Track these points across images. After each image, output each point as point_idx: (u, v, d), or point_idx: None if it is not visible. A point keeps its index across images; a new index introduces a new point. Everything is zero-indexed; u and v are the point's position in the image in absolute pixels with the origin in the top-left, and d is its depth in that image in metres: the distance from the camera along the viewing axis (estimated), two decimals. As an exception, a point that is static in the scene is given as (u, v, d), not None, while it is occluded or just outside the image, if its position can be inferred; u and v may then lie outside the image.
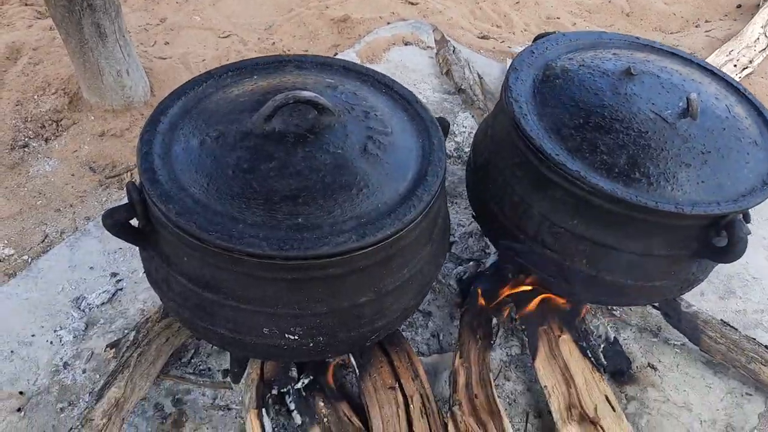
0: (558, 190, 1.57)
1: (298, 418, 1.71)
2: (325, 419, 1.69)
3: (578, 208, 1.57)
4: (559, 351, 1.90)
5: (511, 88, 1.69)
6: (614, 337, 2.03)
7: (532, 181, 1.64)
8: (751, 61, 3.53)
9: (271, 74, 1.62)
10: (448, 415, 1.73)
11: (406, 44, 3.53)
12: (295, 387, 1.76)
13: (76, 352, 1.92)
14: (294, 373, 1.79)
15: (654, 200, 1.46)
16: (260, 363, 1.79)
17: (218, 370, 1.90)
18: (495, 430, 1.68)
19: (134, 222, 1.37)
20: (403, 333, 1.97)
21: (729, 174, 1.56)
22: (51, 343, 1.94)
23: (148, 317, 1.89)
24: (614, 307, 2.14)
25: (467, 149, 2.79)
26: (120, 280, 2.14)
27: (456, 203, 2.52)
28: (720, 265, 1.77)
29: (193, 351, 1.95)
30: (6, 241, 2.30)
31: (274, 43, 3.56)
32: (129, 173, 2.59)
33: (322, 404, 1.72)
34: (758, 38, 3.68)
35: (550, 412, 1.78)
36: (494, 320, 2.00)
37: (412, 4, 4.04)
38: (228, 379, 1.85)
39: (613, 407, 1.77)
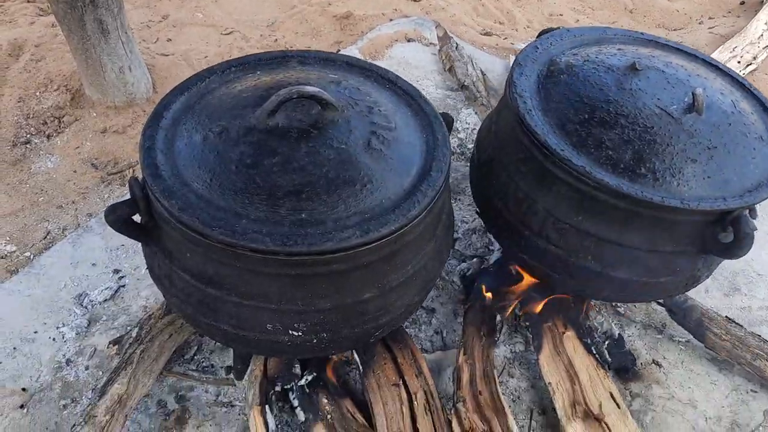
0: (563, 186, 1.56)
1: (301, 415, 1.70)
2: (329, 416, 1.69)
3: (583, 204, 1.55)
4: (563, 348, 1.89)
5: (515, 83, 1.68)
6: (619, 334, 2.02)
7: (537, 176, 1.63)
8: (755, 58, 3.52)
9: (274, 70, 1.61)
10: (452, 411, 1.72)
11: (408, 41, 3.52)
12: (299, 384, 1.75)
13: (79, 348, 1.92)
14: (297, 369, 1.78)
15: (660, 196, 1.45)
16: (263, 360, 1.78)
17: (221, 367, 1.90)
18: (499, 427, 1.67)
19: (137, 218, 1.36)
20: (407, 330, 1.96)
21: (735, 169, 1.55)
22: (53, 339, 1.94)
23: (151, 314, 1.89)
24: (618, 304, 2.14)
25: (470, 146, 2.78)
26: (122, 277, 2.14)
27: (459, 200, 2.51)
28: (725, 261, 1.77)
29: (196, 348, 1.94)
30: (8, 238, 2.30)
31: (276, 39, 3.54)
32: (131, 170, 2.58)
33: (325, 401, 1.72)
34: (762, 35, 3.66)
35: (554, 409, 1.77)
36: (498, 317, 1.99)
37: (415, 0, 4.02)
38: (231, 375, 1.85)
39: (617, 404, 1.76)
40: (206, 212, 1.22)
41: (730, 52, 3.51)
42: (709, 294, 2.25)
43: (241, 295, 1.31)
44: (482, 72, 3.17)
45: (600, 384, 1.80)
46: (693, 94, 1.58)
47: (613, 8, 4.41)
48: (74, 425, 1.60)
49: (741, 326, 2.02)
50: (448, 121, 1.58)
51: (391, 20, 3.71)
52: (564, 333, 1.92)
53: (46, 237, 2.32)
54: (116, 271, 2.15)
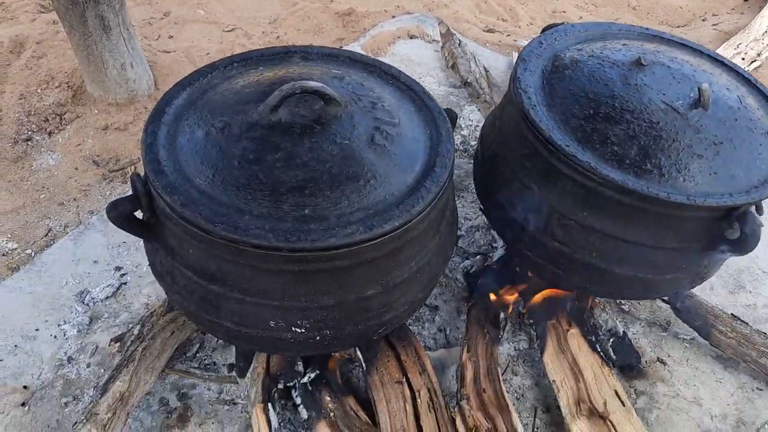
0: (568, 182, 1.55)
1: (304, 413, 1.69)
2: (332, 414, 1.68)
3: (588, 200, 1.54)
4: (567, 345, 1.88)
5: (519, 78, 1.67)
6: (623, 332, 2.01)
7: (541, 172, 1.61)
8: (759, 54, 3.50)
9: (276, 65, 1.60)
10: (456, 409, 1.71)
11: (411, 38, 3.51)
12: (302, 381, 1.74)
13: (81, 346, 1.91)
14: (300, 367, 1.77)
15: (666, 191, 1.44)
16: (266, 357, 1.78)
17: (223, 365, 1.89)
18: (503, 425, 1.66)
19: (139, 214, 1.35)
20: (410, 327, 1.95)
21: (741, 165, 1.54)
22: (55, 337, 1.93)
23: (153, 311, 1.88)
24: (623, 301, 2.13)
25: (473, 142, 2.77)
26: (124, 274, 2.13)
27: (462, 197, 2.50)
28: (729, 259, 1.75)
29: (198, 345, 1.93)
30: (9, 235, 2.29)
31: (278, 36, 3.54)
32: (133, 167, 2.57)
33: (328, 398, 1.71)
34: (766, 31, 3.63)
35: (558, 407, 1.77)
36: (502, 314, 1.98)
37: (417, -3, 4.02)
38: (233, 373, 1.84)
39: (622, 402, 1.75)
40: (209, 208, 1.21)
41: (734, 48, 3.50)
42: (714, 291, 2.24)
43: (244, 291, 1.30)
44: (485, 69, 3.15)
45: (605, 382, 1.79)
46: (699, 89, 1.57)
47: (616, 5, 4.39)
48: (76, 423, 1.60)
49: (746, 324, 2.00)
50: (452, 116, 1.57)
51: (393, 17, 3.70)
52: (568, 330, 1.91)
53: (47, 234, 2.32)
54: (118, 269, 2.14)
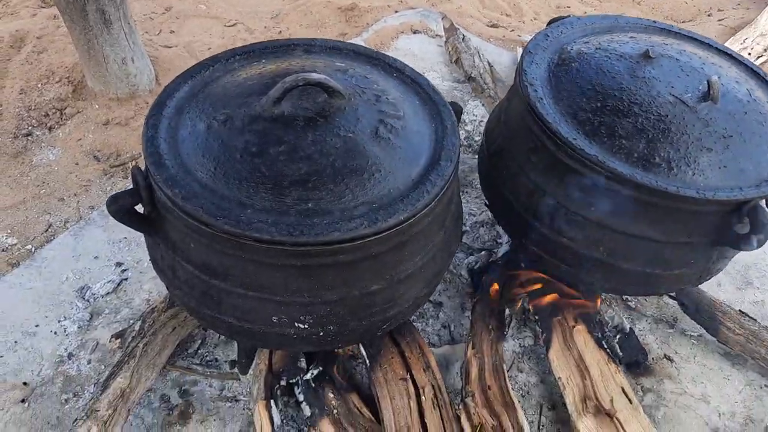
0: (575, 176, 1.53)
1: (307, 410, 1.67)
2: (335, 411, 1.66)
3: (595, 195, 1.51)
4: (573, 342, 1.86)
5: (525, 71, 1.65)
6: (630, 328, 1.98)
7: (548, 166, 1.60)
8: (765, 50, 3.47)
9: (279, 58, 1.58)
10: (461, 406, 1.69)
11: (414, 32, 3.49)
12: (304, 378, 1.72)
13: (81, 342, 1.90)
14: (303, 363, 1.76)
15: (675, 185, 1.43)
16: (268, 353, 1.76)
17: (225, 361, 1.88)
18: (509, 422, 1.64)
19: (139, 208, 1.34)
20: (414, 324, 1.93)
21: (751, 159, 1.52)
22: (55, 333, 1.92)
23: (154, 307, 1.87)
24: (629, 298, 2.11)
25: (477, 138, 2.75)
26: (125, 270, 2.11)
27: (467, 192, 2.48)
28: (737, 255, 1.74)
29: (199, 341, 1.92)
30: (9, 231, 2.28)
31: (280, 31, 3.52)
32: (134, 162, 2.56)
33: (331, 395, 1.69)
34: (772, 26, 3.62)
35: (564, 405, 1.75)
36: (507, 311, 1.96)
37: (420, -8, 4.00)
38: (235, 369, 1.83)
39: (629, 399, 1.73)
40: (210, 201, 1.20)
41: (741, 44, 3.48)
42: (721, 288, 2.21)
43: (246, 286, 1.29)
44: (489, 64, 3.13)
45: (611, 379, 1.77)
46: (708, 82, 1.55)
47: (620, 0, 4.37)
48: (76, 420, 1.58)
49: (755, 320, 1.98)
50: (457, 110, 1.56)
51: (396, 12, 3.68)
52: (574, 327, 1.89)
53: (47, 230, 2.30)
54: (119, 264, 2.13)
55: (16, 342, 1.89)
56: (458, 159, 1.41)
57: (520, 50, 3.36)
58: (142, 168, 1.32)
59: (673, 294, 2.04)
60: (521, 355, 1.96)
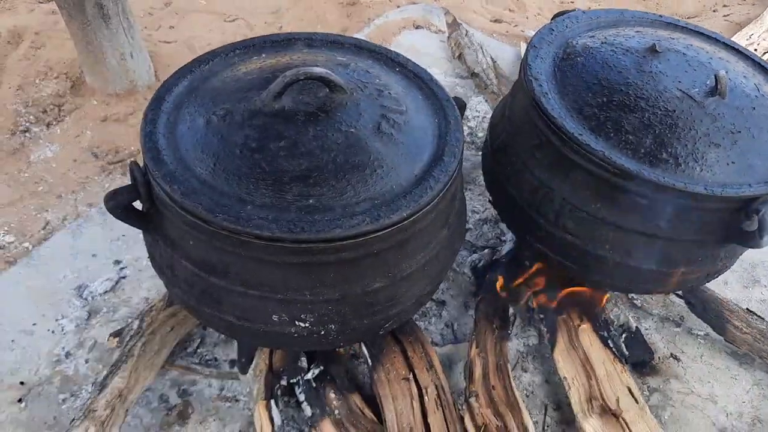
0: (580, 172, 1.51)
1: (308, 410, 1.65)
2: (336, 411, 1.64)
3: (601, 191, 1.50)
4: (578, 341, 1.84)
5: (530, 65, 1.62)
6: (636, 327, 1.96)
7: (553, 162, 1.57)
8: (771, 45, 3.45)
9: (279, 52, 1.56)
10: (465, 407, 1.67)
11: (416, 28, 3.47)
12: (305, 378, 1.70)
13: (79, 341, 1.88)
14: (304, 363, 1.74)
15: (683, 182, 1.40)
16: (269, 352, 1.74)
17: (225, 360, 1.86)
18: (514, 423, 1.62)
19: (138, 205, 1.32)
20: (417, 323, 1.91)
21: (760, 154, 1.50)
22: (52, 332, 1.90)
23: (153, 305, 1.85)
24: (635, 296, 2.09)
25: (481, 134, 2.73)
26: (123, 268, 2.09)
27: (470, 189, 2.45)
28: (744, 253, 1.72)
29: (199, 340, 1.90)
30: (6, 228, 2.25)
31: (281, 27, 3.50)
32: (132, 159, 2.53)
33: (332, 395, 1.67)
34: (778, 22, 3.60)
35: (569, 405, 1.72)
36: (511, 309, 1.94)
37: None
38: (235, 369, 1.81)
39: (635, 399, 1.71)
40: (209, 198, 1.18)
41: (747, 39, 3.45)
42: (728, 286, 2.19)
43: (246, 284, 1.27)
44: (492, 59, 3.11)
45: (617, 378, 1.75)
46: (716, 76, 1.53)
47: (624, -5, 4.34)
48: (73, 419, 1.56)
49: (762, 318, 1.97)
50: (461, 105, 1.54)
51: (398, 7, 3.65)
52: (579, 326, 1.87)
53: (45, 227, 2.28)
54: (117, 262, 2.11)
55: (12, 341, 1.87)
56: (462, 154, 1.39)
57: (523, 46, 3.33)
58: (141, 164, 1.30)
59: (679, 292, 2.02)
60: (525, 354, 1.95)
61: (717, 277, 1.70)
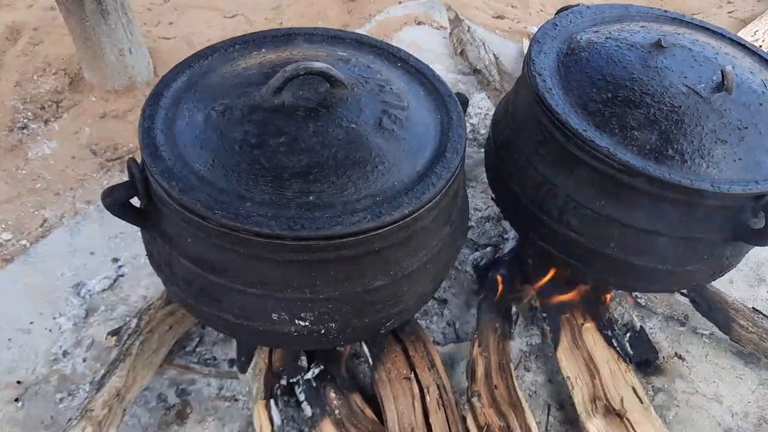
0: (585, 169, 1.49)
1: (308, 410, 1.64)
2: (337, 411, 1.63)
3: (606, 188, 1.48)
4: (582, 340, 1.82)
5: (534, 61, 1.60)
6: (640, 326, 1.94)
7: (557, 159, 1.55)
8: (776, 42, 3.43)
9: (279, 47, 1.55)
10: (467, 406, 1.66)
11: (418, 24, 3.45)
12: (305, 377, 1.69)
13: (76, 340, 1.87)
14: (304, 362, 1.72)
15: (689, 178, 1.39)
16: (268, 351, 1.73)
17: (224, 359, 1.85)
18: (516, 423, 1.61)
19: (136, 202, 1.30)
20: (418, 321, 1.89)
21: (767, 151, 1.47)
22: (50, 330, 1.89)
23: (151, 304, 1.83)
24: (639, 295, 2.07)
25: (483, 131, 2.71)
26: (121, 266, 2.08)
27: (472, 187, 2.43)
28: (750, 251, 1.70)
29: (197, 339, 1.89)
30: (3, 226, 2.24)
31: (281, 23, 3.49)
32: (131, 155, 2.52)
33: (333, 395, 1.66)
34: (783, 18, 3.58)
35: (573, 405, 1.71)
36: (513, 308, 1.93)
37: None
38: (234, 368, 1.80)
39: (640, 399, 1.69)
40: (208, 194, 1.16)
41: (751, 36, 3.43)
42: (733, 285, 2.17)
43: (245, 282, 1.25)
44: (495, 56, 3.09)
45: (621, 378, 1.73)
46: (722, 72, 1.51)
47: (627, -7, 4.32)
48: (70, 419, 1.54)
49: (768, 317, 1.94)
50: (463, 100, 1.52)
51: (400, 2, 3.64)
52: (583, 325, 1.85)
53: (42, 225, 2.27)
54: (115, 260, 2.09)
55: (9, 339, 1.85)
56: (465, 151, 1.37)
57: (526, 42, 3.31)
58: (139, 160, 1.28)
59: (684, 291, 2.00)
60: (528, 353, 1.93)
61: (722, 275, 1.68)
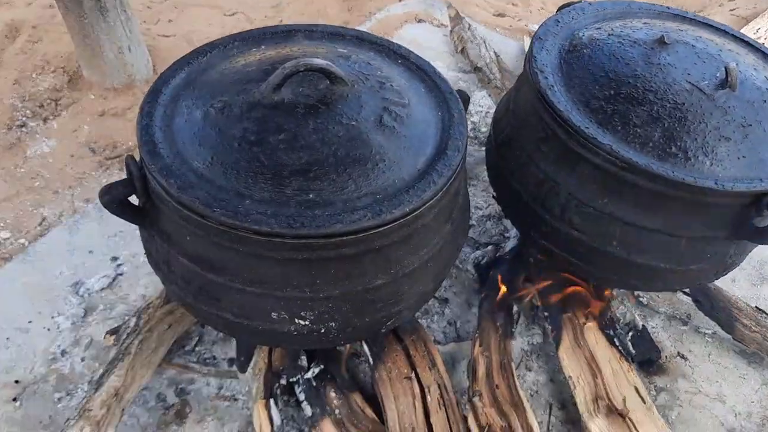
0: (587, 166, 1.47)
1: (308, 410, 1.63)
2: (337, 410, 1.62)
3: (608, 186, 1.47)
4: (584, 339, 1.81)
5: (536, 57, 1.59)
6: (642, 325, 1.93)
7: (559, 156, 1.54)
8: (777, 40, 3.41)
9: (279, 44, 1.53)
10: (468, 406, 1.65)
11: (419, 22, 3.44)
12: (305, 376, 1.68)
13: (75, 339, 1.86)
14: (304, 361, 1.71)
15: (692, 176, 1.37)
16: (268, 351, 1.72)
17: (224, 359, 1.84)
18: (518, 423, 1.59)
19: (134, 200, 1.29)
20: (419, 321, 1.88)
21: (772, 149, 1.46)
22: (48, 329, 1.88)
23: (150, 302, 1.82)
24: (641, 294, 2.06)
25: (484, 129, 2.70)
26: (120, 265, 2.07)
27: (473, 185, 2.42)
28: (753, 250, 1.69)
29: (197, 338, 1.88)
30: (2, 224, 2.24)
31: (281, 21, 3.48)
32: (129, 153, 2.52)
33: (333, 395, 1.65)
34: (785, 16, 3.56)
35: (574, 404, 1.69)
36: (515, 307, 1.91)
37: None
38: (234, 368, 1.79)
39: (642, 399, 1.68)
40: (207, 192, 1.15)
41: (753, 33, 3.42)
42: (736, 284, 2.16)
43: (244, 281, 1.24)
44: (496, 53, 3.08)
45: (624, 378, 1.72)
46: (726, 68, 1.50)
47: (628, -10, 4.31)
48: (68, 419, 1.53)
49: (771, 317, 1.93)
50: (464, 98, 1.51)
51: (400, 0, 3.63)
52: (585, 324, 1.84)
53: (41, 223, 2.26)
54: (114, 259, 2.08)
55: (8, 338, 1.84)
56: (466, 148, 1.36)
57: (527, 40, 3.30)
58: (138, 158, 1.27)
59: (687, 290, 1.99)
60: (530, 353, 1.92)
61: (726, 274, 1.67)
